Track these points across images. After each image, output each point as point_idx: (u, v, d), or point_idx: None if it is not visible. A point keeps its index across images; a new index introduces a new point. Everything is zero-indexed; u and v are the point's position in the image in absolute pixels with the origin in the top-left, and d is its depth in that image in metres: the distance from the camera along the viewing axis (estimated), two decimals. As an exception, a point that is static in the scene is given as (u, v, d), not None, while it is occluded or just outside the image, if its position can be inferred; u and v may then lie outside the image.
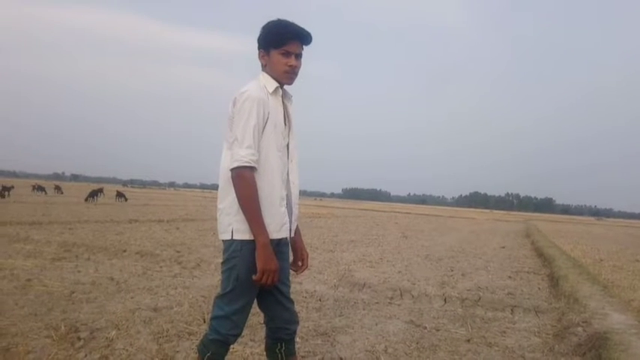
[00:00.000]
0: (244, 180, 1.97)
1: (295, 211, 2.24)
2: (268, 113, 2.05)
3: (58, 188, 38.02)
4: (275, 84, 2.11)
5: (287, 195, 2.16)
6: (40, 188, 35.29)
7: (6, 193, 23.98)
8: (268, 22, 2.13)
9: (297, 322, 2.26)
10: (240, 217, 2.01)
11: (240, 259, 2.02)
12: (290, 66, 2.10)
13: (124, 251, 7.61)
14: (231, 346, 2.20)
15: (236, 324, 2.10)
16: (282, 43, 2.08)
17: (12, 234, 8.94)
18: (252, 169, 1.98)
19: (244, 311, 2.12)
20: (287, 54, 2.09)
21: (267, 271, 1.97)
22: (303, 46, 2.14)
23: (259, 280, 1.98)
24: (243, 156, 1.96)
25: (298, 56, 2.11)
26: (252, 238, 2.01)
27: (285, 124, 2.16)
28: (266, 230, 1.99)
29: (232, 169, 1.98)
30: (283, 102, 2.18)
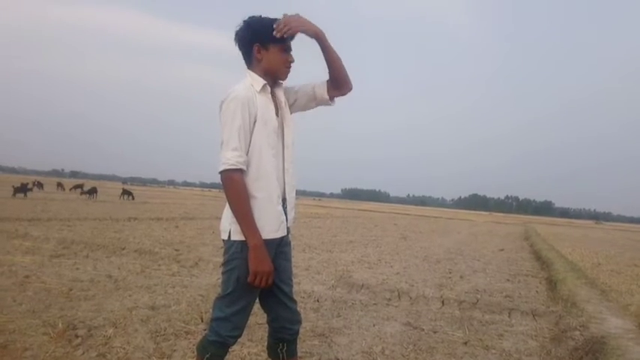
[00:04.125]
0: (233, 182, 1.94)
1: (289, 198, 2.16)
2: (256, 112, 2.01)
3: (60, 185, 38.17)
4: (262, 82, 2.07)
5: (284, 184, 2.13)
6: (39, 185, 35.37)
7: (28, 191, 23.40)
8: (256, 18, 2.09)
9: (299, 322, 2.25)
10: None
11: (241, 261, 2.00)
12: (290, 62, 2.11)
13: (123, 249, 7.61)
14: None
15: (236, 325, 2.09)
16: (283, 38, 2.06)
17: (10, 230, 8.93)
18: (240, 171, 1.96)
19: (245, 313, 2.11)
20: (287, 49, 2.10)
21: (260, 273, 1.96)
22: None
23: (252, 282, 1.97)
24: (229, 158, 1.93)
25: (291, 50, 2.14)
26: (274, 235, 2.04)
27: (278, 116, 2.12)
28: (258, 232, 1.97)
29: (220, 173, 1.96)
30: (275, 95, 2.15)
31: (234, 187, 1.95)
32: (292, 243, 2.32)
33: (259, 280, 1.97)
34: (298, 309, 2.29)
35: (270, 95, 2.11)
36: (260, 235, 1.97)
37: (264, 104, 2.06)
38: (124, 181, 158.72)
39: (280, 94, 2.19)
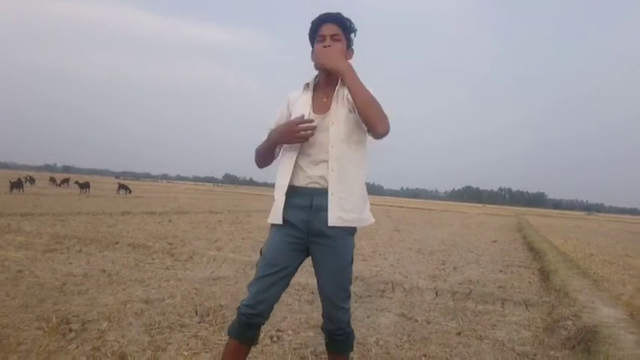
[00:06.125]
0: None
1: (332, 196, 2.06)
2: (291, 112, 2.19)
3: (52, 180, 38.04)
4: (308, 81, 2.21)
5: (323, 177, 2.08)
6: (31, 180, 35.18)
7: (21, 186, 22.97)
8: None
9: (332, 322, 2.26)
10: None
11: (267, 239, 2.23)
12: (325, 47, 2.09)
13: (116, 243, 7.58)
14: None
15: (250, 295, 2.15)
16: (315, 31, 2.15)
17: (3, 225, 8.88)
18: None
19: (259, 285, 2.14)
20: (322, 38, 2.11)
21: (282, 137, 2.09)
22: (341, 29, 2.13)
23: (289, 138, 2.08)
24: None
25: (334, 37, 2.11)
26: (272, 221, 2.18)
27: (322, 112, 2.11)
28: (270, 133, 2.16)
29: None
30: (325, 91, 2.15)
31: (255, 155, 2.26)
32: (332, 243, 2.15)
33: (289, 138, 2.08)
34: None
35: (311, 93, 2.17)
36: (273, 133, 2.15)
37: (302, 102, 2.16)
38: (117, 175, 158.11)
39: (340, 85, 2.12)
